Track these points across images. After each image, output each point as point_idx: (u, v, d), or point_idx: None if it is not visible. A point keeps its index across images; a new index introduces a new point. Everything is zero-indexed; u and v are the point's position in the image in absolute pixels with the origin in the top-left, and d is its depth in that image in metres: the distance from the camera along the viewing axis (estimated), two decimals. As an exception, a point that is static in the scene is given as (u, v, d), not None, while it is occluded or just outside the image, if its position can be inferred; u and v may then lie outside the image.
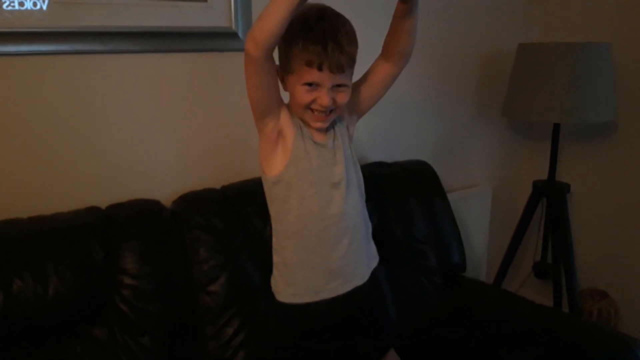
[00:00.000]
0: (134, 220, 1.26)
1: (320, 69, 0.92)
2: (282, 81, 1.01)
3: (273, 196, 1.06)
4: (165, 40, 1.40)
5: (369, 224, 1.15)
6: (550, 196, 2.05)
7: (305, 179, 1.02)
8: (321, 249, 1.05)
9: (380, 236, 1.55)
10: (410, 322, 1.52)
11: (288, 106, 1.04)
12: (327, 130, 1.05)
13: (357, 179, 1.11)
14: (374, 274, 1.16)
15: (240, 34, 1.50)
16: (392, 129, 1.92)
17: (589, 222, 2.21)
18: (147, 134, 1.43)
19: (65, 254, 1.14)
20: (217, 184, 1.46)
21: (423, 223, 1.63)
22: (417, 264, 1.59)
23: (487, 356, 1.42)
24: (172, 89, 1.44)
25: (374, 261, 1.18)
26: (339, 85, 0.96)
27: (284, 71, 1.00)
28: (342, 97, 0.98)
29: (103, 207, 1.29)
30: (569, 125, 2.13)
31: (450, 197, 1.94)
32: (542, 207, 2.11)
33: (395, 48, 1.04)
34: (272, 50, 0.91)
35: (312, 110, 0.98)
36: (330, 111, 0.99)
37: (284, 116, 1.02)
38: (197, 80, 1.48)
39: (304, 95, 0.96)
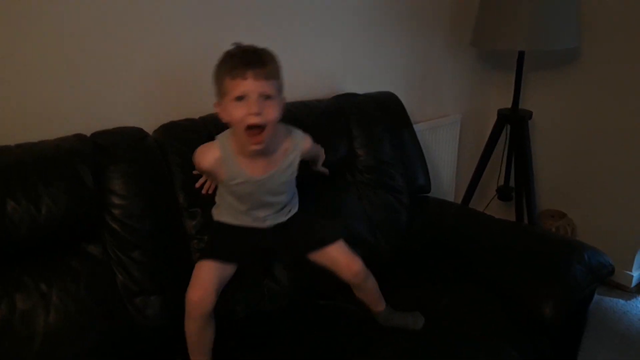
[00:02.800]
0: (120, 145, 1.32)
1: (244, 76, 1.04)
2: (221, 113, 1.14)
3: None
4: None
5: (294, 196, 1.35)
6: (513, 123, 2.16)
7: (234, 200, 1.25)
8: (246, 217, 1.28)
9: (349, 162, 1.68)
10: (381, 237, 1.66)
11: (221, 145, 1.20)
12: (270, 163, 1.20)
13: (287, 195, 1.29)
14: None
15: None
16: (365, 61, 1.98)
17: (549, 147, 2.35)
18: (127, 62, 1.46)
19: (56, 177, 1.20)
20: (196, 115, 1.52)
21: (390, 147, 1.74)
22: (385, 184, 1.71)
23: (451, 262, 1.57)
24: (152, 15, 1.46)
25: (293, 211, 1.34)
26: (267, 97, 1.07)
27: (219, 100, 1.12)
28: (271, 110, 1.08)
29: (88, 134, 1.35)
30: (534, 54, 2.21)
31: (421, 126, 2.05)
32: (506, 134, 2.23)
33: None
34: None
35: (247, 131, 1.09)
36: (263, 129, 1.09)
37: (217, 169, 1.21)
38: (180, 5, 1.50)
39: (236, 111, 1.07)
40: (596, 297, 1.52)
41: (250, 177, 1.19)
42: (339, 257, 1.28)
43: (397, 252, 1.63)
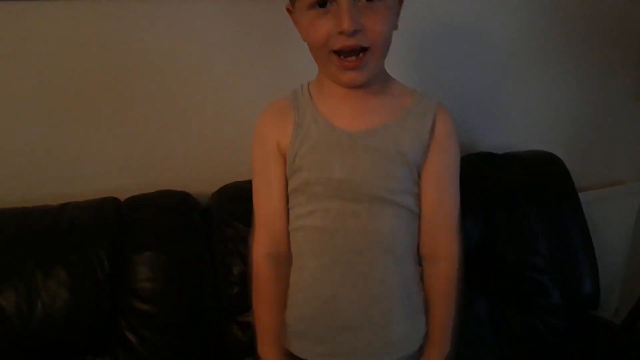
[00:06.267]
0: (154, 222, 0.98)
1: None
2: (295, 25, 0.69)
3: None
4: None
5: (413, 290, 0.74)
6: None
7: (301, 195, 0.70)
8: (318, 299, 0.70)
9: (482, 259, 1.18)
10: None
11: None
12: (374, 116, 0.68)
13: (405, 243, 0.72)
14: None
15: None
16: (511, 107, 1.45)
17: None
18: (185, 107, 1.12)
19: (61, 265, 0.89)
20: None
21: (546, 244, 1.20)
22: (533, 301, 1.17)
23: None
24: (223, 70, 1.12)
25: (411, 343, 0.74)
26: None
27: (291, 5, 0.68)
28: (378, 19, 0.61)
29: (123, 198, 1.03)
30: None
31: (582, 197, 1.47)
32: None
33: None
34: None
35: (335, 55, 0.64)
36: (364, 51, 0.63)
37: (279, 134, 0.71)
38: (242, 36, 1.13)
39: (315, 28, 0.62)
40: None
41: (332, 125, 0.69)
42: None
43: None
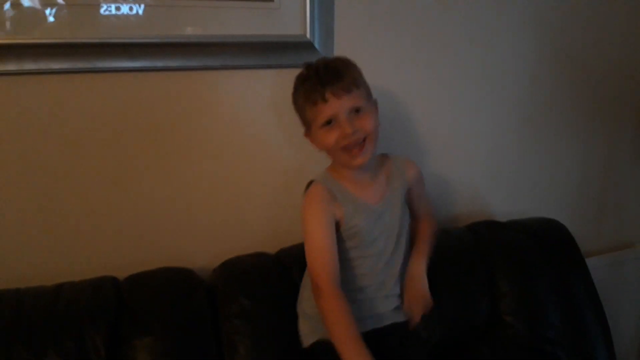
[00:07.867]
0: (155, 302, 0.94)
1: (324, 99, 0.91)
2: (313, 143, 1.00)
3: None
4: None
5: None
6: None
7: (354, 251, 1.00)
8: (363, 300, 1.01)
9: (491, 331, 1.14)
10: None
11: (326, 191, 0.99)
12: (380, 190, 1.03)
13: (406, 239, 1.07)
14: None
15: (316, 45, 1.12)
16: (514, 172, 1.44)
17: None
18: (192, 179, 1.10)
19: (55, 354, 0.84)
20: (274, 247, 1.11)
21: (555, 314, 1.17)
22: (547, 374, 1.11)
23: None
24: (225, 121, 1.11)
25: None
26: (356, 111, 0.93)
27: (307, 131, 0.99)
28: (366, 121, 0.94)
29: (122, 275, 0.99)
30: None
31: (591, 262, 1.44)
32: None
33: None
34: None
35: (345, 150, 0.94)
36: (363, 141, 0.94)
37: (334, 208, 0.97)
38: (258, 110, 1.13)
39: (328, 137, 0.94)
40: None
41: (367, 204, 1.00)
42: None
43: None
